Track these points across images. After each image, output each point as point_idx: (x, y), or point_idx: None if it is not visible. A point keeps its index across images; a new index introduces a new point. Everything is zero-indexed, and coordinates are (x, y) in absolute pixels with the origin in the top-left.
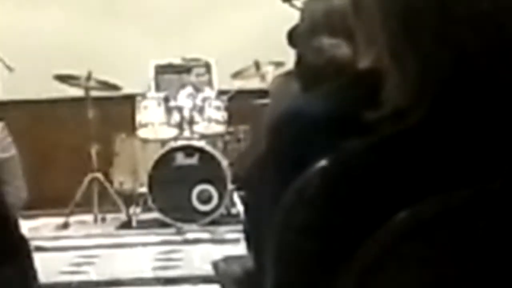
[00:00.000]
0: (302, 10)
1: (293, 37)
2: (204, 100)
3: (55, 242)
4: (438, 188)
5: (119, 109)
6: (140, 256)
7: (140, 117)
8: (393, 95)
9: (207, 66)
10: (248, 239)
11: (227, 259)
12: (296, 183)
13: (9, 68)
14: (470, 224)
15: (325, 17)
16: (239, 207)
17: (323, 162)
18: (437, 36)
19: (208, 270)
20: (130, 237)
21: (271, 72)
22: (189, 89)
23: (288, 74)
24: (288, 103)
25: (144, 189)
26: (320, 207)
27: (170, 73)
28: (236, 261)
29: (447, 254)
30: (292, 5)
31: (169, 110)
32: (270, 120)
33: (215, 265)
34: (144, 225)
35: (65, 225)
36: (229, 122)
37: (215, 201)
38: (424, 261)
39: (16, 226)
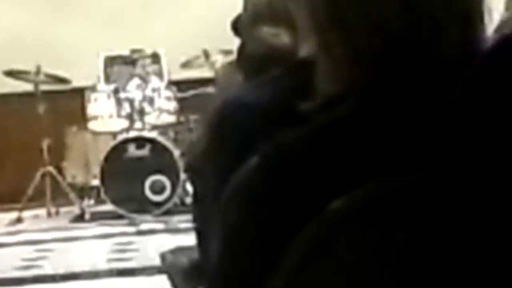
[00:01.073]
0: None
1: (236, 26)
2: (154, 90)
3: (9, 238)
4: (369, 177)
5: (69, 103)
6: (94, 248)
7: (90, 110)
8: (323, 85)
9: (156, 56)
10: (195, 229)
11: (175, 251)
12: (232, 178)
13: None
14: (396, 214)
15: (267, 6)
16: None
17: (256, 156)
18: (363, 22)
19: None
20: (84, 230)
21: (220, 61)
22: (137, 80)
23: (233, 63)
24: (230, 93)
25: (96, 182)
26: (253, 201)
27: (119, 65)
28: (184, 252)
29: (378, 244)
30: None
31: (119, 102)
32: (213, 110)
33: (162, 256)
34: (97, 217)
35: (19, 220)
36: (179, 112)
37: (168, 191)
38: (355, 251)
39: None
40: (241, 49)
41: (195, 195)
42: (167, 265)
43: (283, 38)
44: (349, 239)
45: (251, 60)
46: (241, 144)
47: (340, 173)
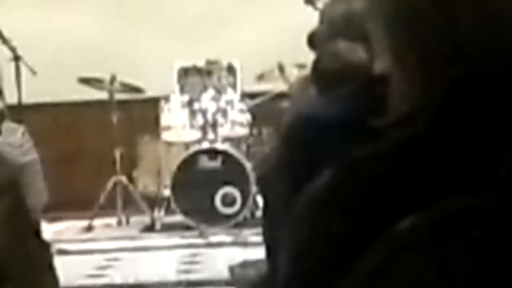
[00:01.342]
0: (322, 13)
1: (312, 40)
2: (228, 102)
3: (79, 245)
4: (444, 195)
5: (143, 112)
6: (163, 259)
7: (163, 120)
8: (397, 102)
9: (231, 69)
10: (265, 242)
11: (244, 264)
12: (304, 191)
13: (33, 71)
14: (465, 237)
15: (344, 20)
16: None
17: (329, 171)
18: (440, 40)
19: None
20: (154, 240)
21: (295, 75)
22: (212, 92)
23: (308, 77)
24: (303, 107)
25: (167, 192)
26: (326, 216)
27: (194, 75)
28: (253, 265)
29: (445, 267)
30: (315, 7)
31: (193, 113)
32: (286, 124)
33: (231, 269)
34: (167, 228)
35: (89, 228)
36: (253, 124)
37: (238, 204)
38: (425, 269)
39: (37, 231)
40: (316, 63)
41: (266, 208)
42: (236, 278)
43: (359, 53)
44: (416, 261)
45: (326, 74)
46: (313, 158)
47: (413, 191)
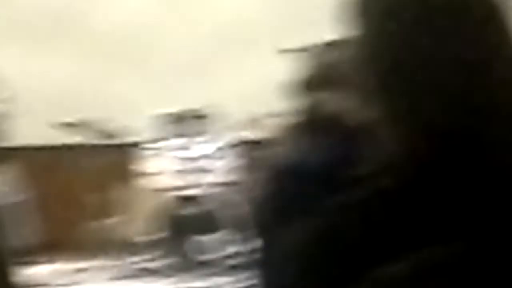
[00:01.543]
0: (309, 60)
1: (301, 88)
2: (217, 149)
3: None
4: (420, 243)
5: (119, 157)
6: None
7: (141, 166)
8: (384, 151)
9: (207, 117)
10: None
11: None
12: (283, 238)
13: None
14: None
15: (332, 69)
16: None
17: (310, 218)
18: (427, 96)
19: None
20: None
21: (281, 122)
22: (187, 139)
23: (295, 125)
24: (285, 155)
25: (144, 238)
26: (306, 263)
27: (171, 123)
28: None
29: None
30: (292, 57)
31: (170, 159)
32: (268, 172)
33: None
34: (145, 274)
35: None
36: (233, 172)
37: (215, 251)
38: None
39: (12, 273)
40: (298, 112)
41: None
42: None
43: (343, 103)
44: None
45: (312, 123)
46: (296, 205)
47: (393, 237)
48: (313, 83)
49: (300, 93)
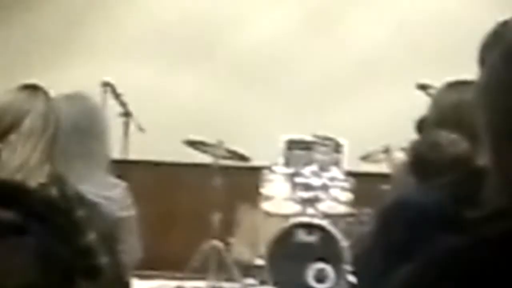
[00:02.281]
0: (433, 100)
1: (421, 126)
2: (331, 179)
3: None
4: None
5: (245, 180)
6: None
7: (265, 190)
8: (493, 196)
9: (337, 145)
10: None
11: None
12: (395, 276)
13: (141, 129)
14: None
15: (452, 110)
16: None
17: (421, 258)
18: None
19: None
20: None
21: (400, 158)
22: (315, 167)
23: (407, 162)
24: (404, 191)
25: (261, 262)
26: None
27: (300, 149)
28: None
29: None
30: (427, 93)
31: (295, 186)
32: (385, 206)
33: None
34: None
35: None
36: (354, 204)
37: (331, 281)
38: None
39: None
40: (414, 149)
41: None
42: None
43: (462, 144)
44: None
45: (425, 162)
46: (408, 243)
47: (503, 285)
48: (435, 122)
49: (421, 129)
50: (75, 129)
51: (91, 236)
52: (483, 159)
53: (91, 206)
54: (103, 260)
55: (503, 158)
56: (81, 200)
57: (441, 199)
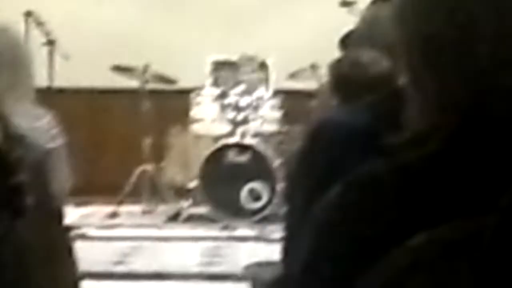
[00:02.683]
0: (360, 17)
1: (344, 42)
2: (259, 98)
3: (103, 232)
4: (447, 216)
5: (173, 103)
6: (186, 250)
7: (194, 112)
8: (412, 120)
9: (264, 65)
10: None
11: (261, 264)
12: (315, 205)
13: (65, 57)
14: (474, 254)
15: (370, 27)
16: None
17: (339, 185)
18: (457, 62)
19: None
20: (178, 230)
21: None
22: (243, 87)
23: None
24: (329, 112)
25: (194, 184)
26: (330, 234)
27: (227, 70)
28: (269, 266)
29: (460, 281)
30: (351, 10)
31: (223, 107)
32: (311, 127)
33: (247, 267)
34: (192, 219)
35: (114, 215)
36: (283, 122)
37: (264, 199)
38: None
39: (60, 217)
40: (335, 68)
41: (288, 207)
42: (251, 276)
43: (382, 63)
44: (426, 280)
45: (346, 81)
46: (329, 167)
47: (420, 209)
48: (356, 39)
49: (343, 47)
50: None
51: (22, 176)
52: (401, 80)
53: (25, 142)
54: (30, 199)
55: (421, 84)
56: (21, 139)
57: (363, 120)
